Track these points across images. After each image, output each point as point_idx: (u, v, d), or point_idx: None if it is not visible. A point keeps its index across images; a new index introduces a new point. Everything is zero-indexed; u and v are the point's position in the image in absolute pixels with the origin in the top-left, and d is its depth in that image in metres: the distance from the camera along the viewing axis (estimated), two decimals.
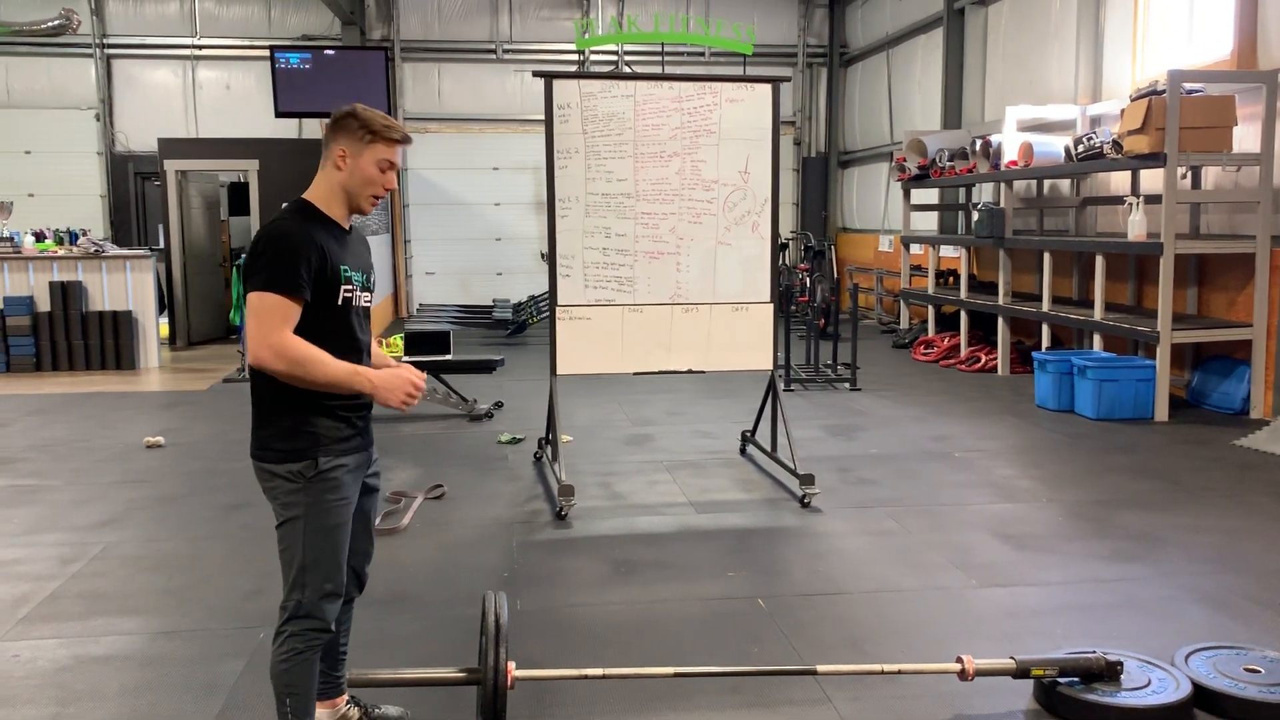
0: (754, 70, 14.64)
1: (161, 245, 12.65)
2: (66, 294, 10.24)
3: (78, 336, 10.27)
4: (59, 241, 10.99)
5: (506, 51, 15.56)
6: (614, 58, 15.45)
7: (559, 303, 5.69)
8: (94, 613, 3.98)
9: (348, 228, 2.72)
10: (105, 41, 15.00)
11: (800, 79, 16.42)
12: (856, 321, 9.39)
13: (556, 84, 5.59)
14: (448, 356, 7.80)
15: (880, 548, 4.75)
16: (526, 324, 12.58)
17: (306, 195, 2.67)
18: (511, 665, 2.88)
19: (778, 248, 5.90)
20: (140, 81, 15.23)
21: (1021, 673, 3.11)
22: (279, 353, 2.49)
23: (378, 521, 5.08)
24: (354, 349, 2.70)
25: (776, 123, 5.75)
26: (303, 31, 15.10)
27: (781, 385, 8.75)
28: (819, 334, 10.09)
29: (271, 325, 2.48)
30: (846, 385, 9.02)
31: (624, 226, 5.69)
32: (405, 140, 2.72)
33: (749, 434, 6.54)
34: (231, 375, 9.81)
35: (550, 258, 5.69)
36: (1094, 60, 9.93)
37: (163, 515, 5.32)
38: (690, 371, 5.81)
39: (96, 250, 10.53)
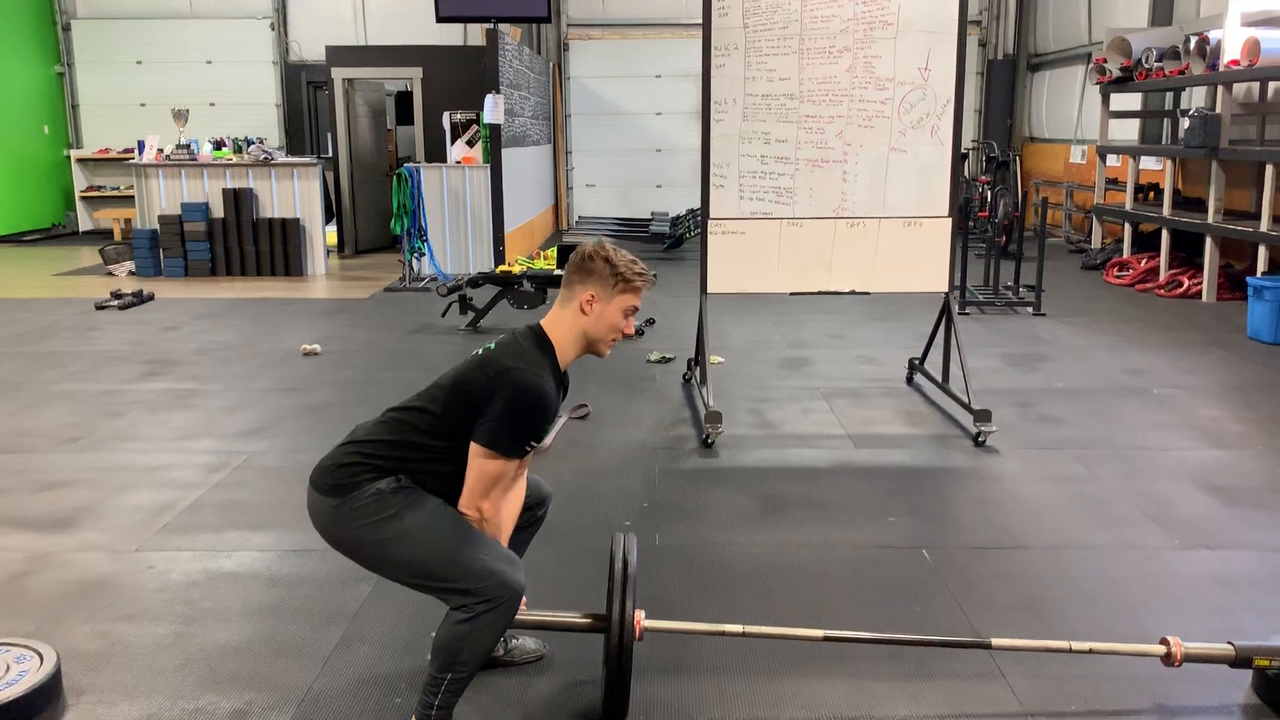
0: None
1: (330, 154, 12.83)
2: (239, 201, 10.48)
3: (249, 243, 10.53)
4: (236, 150, 11.25)
5: None
6: None
7: (711, 215, 5.28)
8: (229, 525, 3.93)
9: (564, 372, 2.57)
10: None
11: None
12: (1043, 239, 8.58)
13: None
14: None
15: (1064, 496, 4.23)
16: (684, 238, 12.19)
17: (549, 332, 2.50)
18: (640, 615, 2.59)
19: (959, 155, 5.29)
20: None
21: (1242, 662, 2.62)
22: (488, 517, 2.44)
23: None
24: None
25: (964, 11, 5.10)
26: None
27: (956, 309, 8.11)
28: (1000, 252, 9.30)
29: (495, 490, 2.41)
30: (1029, 310, 8.28)
31: (785, 131, 5.20)
32: (649, 285, 2.57)
33: (917, 361, 6.01)
34: (393, 284, 9.87)
35: (703, 166, 5.27)
36: None
37: (309, 424, 5.28)
38: (853, 293, 5.33)
39: (265, 158, 10.70)
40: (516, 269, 7.92)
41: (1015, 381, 6.09)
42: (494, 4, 10.42)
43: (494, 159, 10.30)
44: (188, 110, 11.21)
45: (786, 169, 5.24)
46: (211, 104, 14.95)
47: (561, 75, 15.18)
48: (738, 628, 2.70)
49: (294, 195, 10.60)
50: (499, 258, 10.30)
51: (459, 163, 10.64)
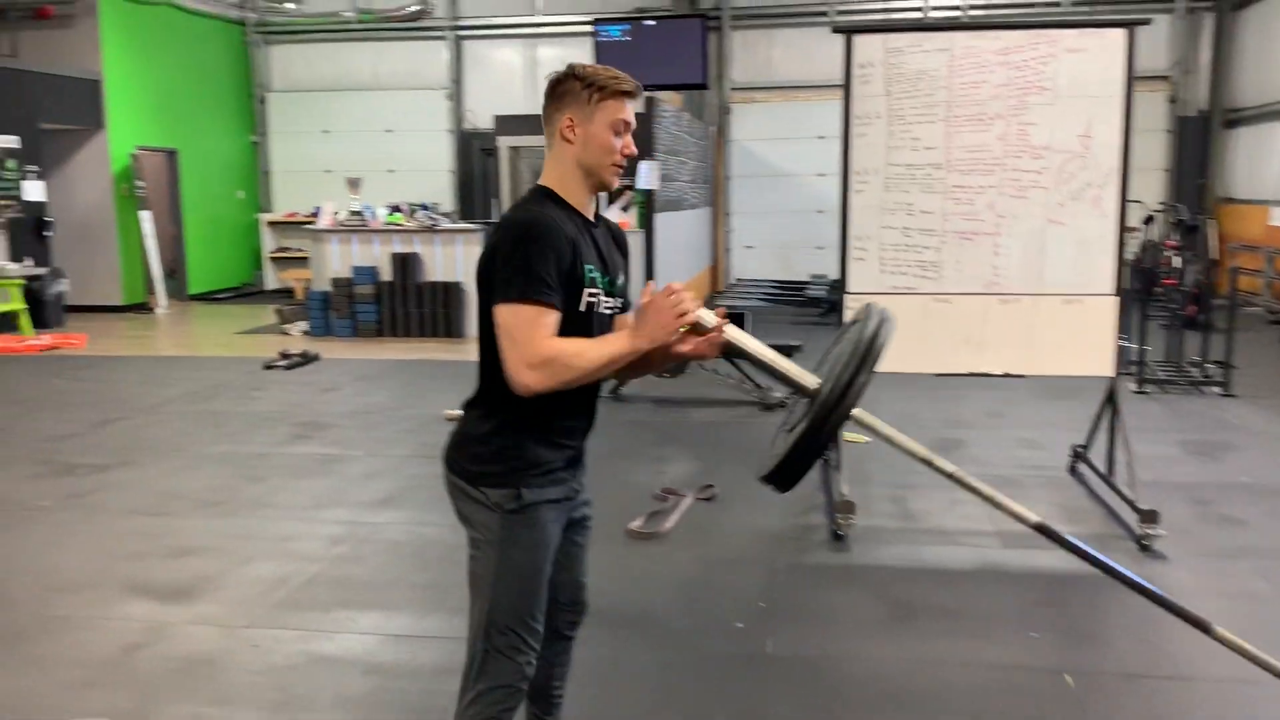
0: (1120, 14, 12.81)
1: (494, 218, 13.19)
2: (406, 265, 10.85)
3: (414, 305, 10.86)
4: (413, 214, 11.74)
5: (839, 13, 14.72)
6: (955, 11, 14.16)
7: (849, 289, 5.02)
8: (339, 603, 3.91)
9: (594, 218, 2.26)
10: (457, 24, 15.85)
11: (1177, 26, 14.24)
12: (1235, 309, 7.84)
13: (857, 40, 4.89)
14: None
15: (1243, 617, 3.72)
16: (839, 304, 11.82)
17: (544, 181, 2.23)
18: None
19: (1124, 228, 4.86)
20: (486, 61, 15.96)
21: None
22: (545, 363, 2.04)
23: (639, 522, 4.79)
24: None
25: (1130, 76, 4.70)
26: (637, 5, 15.14)
27: (1133, 386, 7.50)
28: (1186, 324, 8.58)
29: (531, 342, 2.05)
30: (1217, 389, 7.55)
31: (931, 202, 4.91)
32: (637, 92, 2.23)
33: (1081, 449, 5.52)
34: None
35: (842, 238, 5.03)
36: None
37: (439, 495, 5.25)
38: (1006, 375, 4.94)
39: (431, 224, 11.06)
40: None
41: (1193, 474, 5.51)
42: (652, 73, 10.51)
43: (647, 224, 10.31)
44: (361, 178, 11.74)
45: (932, 241, 4.94)
46: (390, 170, 15.67)
47: (723, 138, 15.18)
48: None
49: (456, 259, 10.89)
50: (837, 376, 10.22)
51: None
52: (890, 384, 7.50)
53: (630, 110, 2.21)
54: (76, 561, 4.31)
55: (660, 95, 10.58)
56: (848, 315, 5.01)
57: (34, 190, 12.02)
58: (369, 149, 15.78)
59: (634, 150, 2.24)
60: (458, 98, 15.95)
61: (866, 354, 2.20)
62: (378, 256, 10.99)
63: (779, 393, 7.32)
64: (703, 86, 10.94)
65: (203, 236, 15.07)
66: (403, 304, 10.89)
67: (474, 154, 16.01)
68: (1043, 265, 4.85)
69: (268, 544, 4.55)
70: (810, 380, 2.31)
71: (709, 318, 2.20)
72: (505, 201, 12.66)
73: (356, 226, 11.07)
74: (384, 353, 9.93)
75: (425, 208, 13.80)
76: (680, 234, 12.04)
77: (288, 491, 5.35)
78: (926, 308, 4.96)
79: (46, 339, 10.60)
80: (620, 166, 2.21)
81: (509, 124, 12.82)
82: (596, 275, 2.18)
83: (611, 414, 5.82)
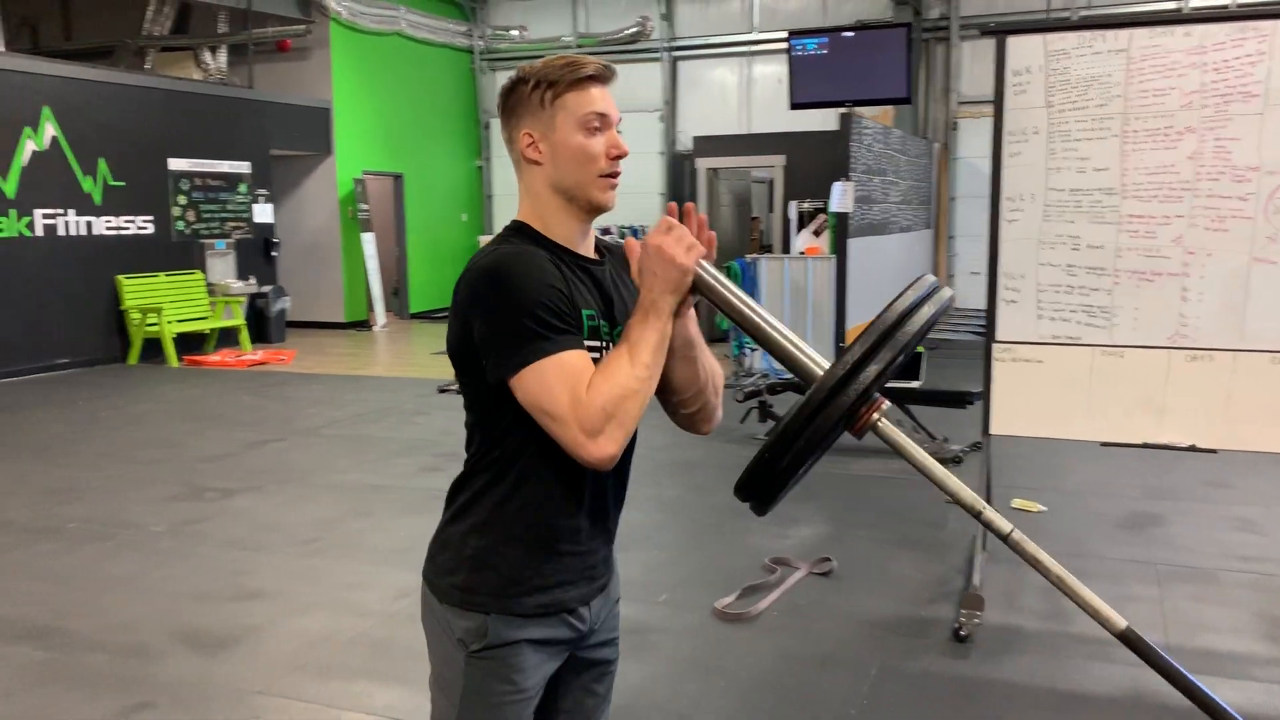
0: None
1: None
2: None
3: None
4: (621, 236, 11.63)
5: (1084, 13, 13.33)
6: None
7: (997, 337, 4.22)
8: (367, 672, 3.59)
9: (595, 255, 1.72)
10: (673, 44, 15.65)
11: None
12: None
13: (1013, 42, 4.11)
14: (915, 384, 6.52)
15: None
16: None
17: (519, 216, 1.71)
18: (882, 404, 1.61)
19: None
20: (700, 81, 15.67)
21: None
22: (606, 419, 1.50)
23: (730, 600, 4.19)
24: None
25: None
26: (857, 17, 14.37)
27: None
28: None
29: (576, 406, 1.51)
30: None
31: (1101, 235, 4.04)
32: (605, 74, 1.65)
33: None
34: (729, 380, 9.45)
35: (990, 276, 4.24)
36: None
37: None
38: (1193, 449, 3.98)
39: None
40: None
41: None
42: (853, 88, 9.81)
43: (839, 250, 9.58)
44: None
45: (1102, 283, 4.06)
46: None
47: (948, 156, 14.10)
48: None
49: None
50: (839, 355, 9.52)
51: (802, 253, 10.05)
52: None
53: (600, 98, 1.64)
54: (142, 600, 4.24)
55: (863, 110, 9.84)
56: (995, 368, 4.23)
57: (263, 213, 12.80)
58: None
59: (624, 148, 1.66)
60: (670, 119, 15.74)
61: (888, 330, 1.54)
62: None
63: (957, 445, 6.47)
64: (905, 101, 10.09)
65: (425, 257, 15.63)
66: None
67: (685, 175, 15.73)
68: (1245, 314, 3.86)
69: (332, 592, 4.32)
70: (819, 365, 1.64)
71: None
72: None
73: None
74: None
75: (635, 232, 13.68)
76: (884, 260, 11.17)
77: (384, 532, 5.14)
78: (1093, 362, 4.09)
79: (258, 354, 11.18)
80: (611, 175, 1.65)
81: (708, 145, 12.47)
82: (599, 324, 1.64)
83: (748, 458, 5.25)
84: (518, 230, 1.67)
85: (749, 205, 13.07)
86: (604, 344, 1.64)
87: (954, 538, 4.92)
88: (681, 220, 1.65)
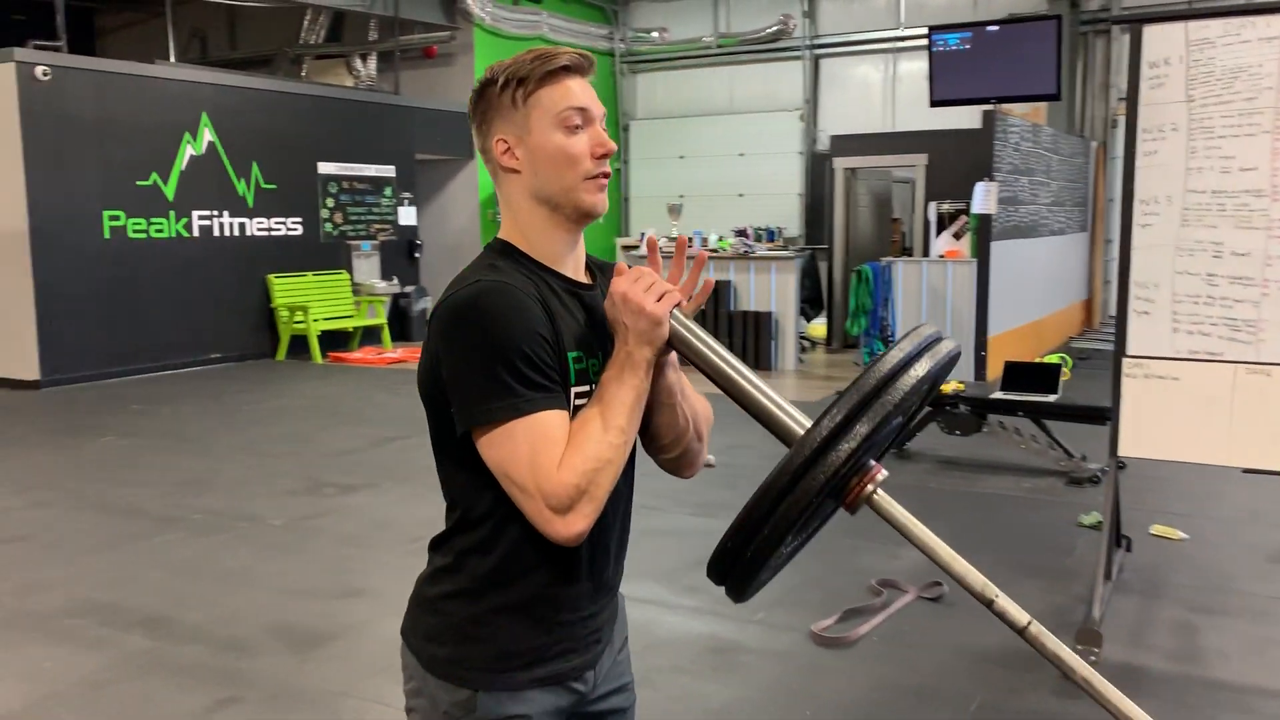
0: None
1: (825, 245, 12.54)
2: (717, 293, 10.54)
3: (724, 334, 10.51)
4: (758, 239, 11.54)
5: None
6: None
7: (1128, 351, 3.89)
8: None
9: (586, 275, 1.57)
10: (814, 42, 15.35)
11: None
12: None
13: (1150, 32, 3.79)
14: (1051, 398, 6.13)
15: None
16: None
17: (501, 235, 1.54)
18: (879, 473, 1.46)
19: None
20: (842, 79, 15.32)
21: None
22: (576, 494, 1.36)
23: (829, 622, 4.00)
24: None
25: None
26: (1009, 11, 13.75)
27: None
28: None
29: (543, 478, 1.36)
30: None
31: (1247, 241, 3.67)
32: (581, 65, 1.48)
33: None
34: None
35: (1120, 285, 3.92)
36: None
37: (642, 554, 4.81)
38: None
39: (746, 251, 10.67)
40: (949, 388, 6.80)
41: None
42: (998, 84, 9.37)
43: (981, 254, 9.17)
44: (681, 204, 11.64)
45: (1249, 294, 3.70)
46: (740, 194, 15.51)
47: (1106, 155, 13.35)
48: None
49: (770, 288, 10.40)
50: (979, 365, 9.11)
51: (941, 256, 9.65)
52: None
53: (578, 91, 1.47)
54: (248, 594, 4.36)
55: (1012, 108, 9.40)
56: (1125, 385, 3.91)
57: (407, 215, 13.18)
58: (721, 173, 15.72)
59: (610, 145, 1.48)
60: (811, 118, 15.44)
61: (870, 393, 1.34)
62: None
63: (1095, 464, 6.06)
64: (1055, 97, 9.56)
65: None
66: (713, 333, 10.56)
67: (825, 176, 15.40)
68: None
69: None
70: (800, 425, 1.45)
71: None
72: (839, 226, 11.96)
73: (670, 252, 10.93)
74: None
75: (771, 234, 13.47)
76: (1033, 264, 10.64)
77: None
78: (1237, 380, 3.73)
79: (398, 352, 11.51)
80: (599, 177, 1.48)
81: (846, 143, 12.15)
82: (587, 366, 1.48)
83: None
84: (500, 251, 1.51)
85: (889, 206, 12.67)
86: (593, 387, 1.48)
87: (1080, 565, 4.58)
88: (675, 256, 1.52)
